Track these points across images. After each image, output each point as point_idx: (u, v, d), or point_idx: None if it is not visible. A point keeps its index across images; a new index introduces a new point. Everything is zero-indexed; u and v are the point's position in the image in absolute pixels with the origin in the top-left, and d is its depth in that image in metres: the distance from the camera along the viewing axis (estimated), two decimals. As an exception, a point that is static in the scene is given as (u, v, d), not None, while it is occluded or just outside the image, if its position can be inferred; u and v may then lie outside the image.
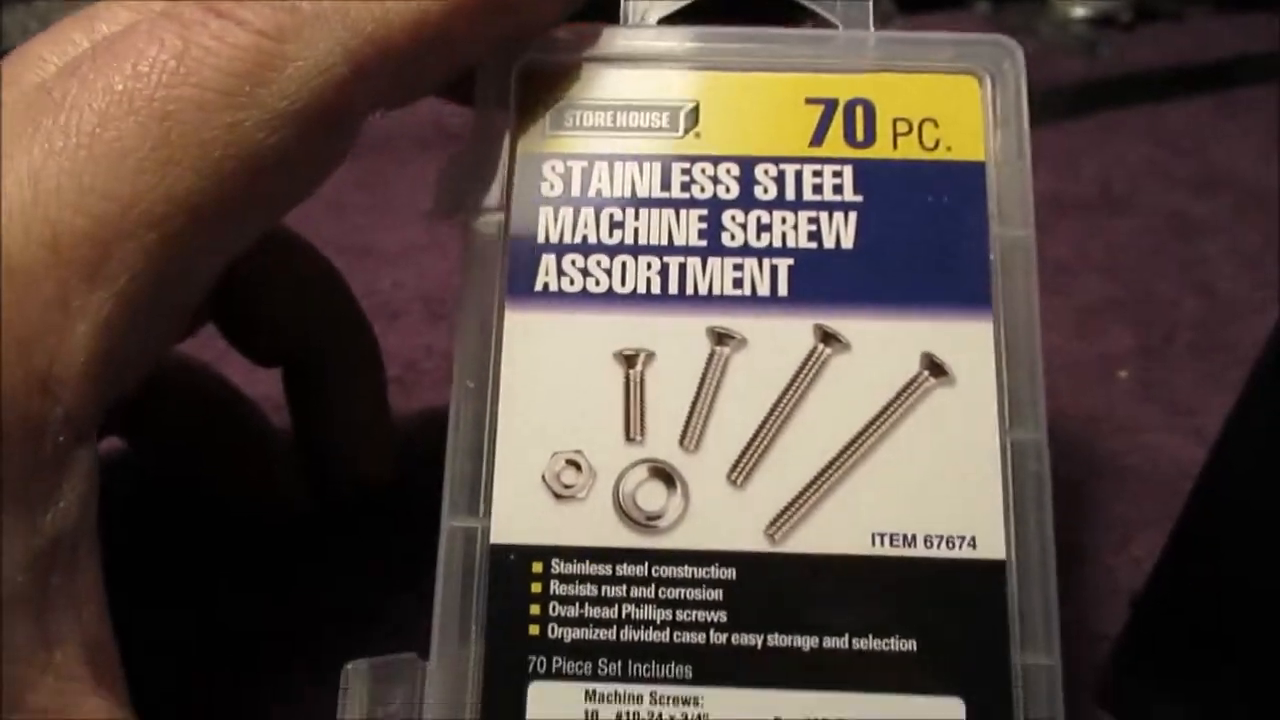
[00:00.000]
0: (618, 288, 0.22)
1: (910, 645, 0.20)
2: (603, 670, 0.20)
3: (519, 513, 0.21)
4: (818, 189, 0.22)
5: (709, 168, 0.22)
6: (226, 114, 0.18)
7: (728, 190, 0.22)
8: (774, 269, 0.21)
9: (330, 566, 0.29)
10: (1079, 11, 0.52)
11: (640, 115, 0.22)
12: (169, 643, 0.27)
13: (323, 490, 0.28)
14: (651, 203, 0.22)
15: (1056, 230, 0.43)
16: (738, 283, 0.21)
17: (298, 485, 0.29)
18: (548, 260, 0.22)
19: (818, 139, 0.22)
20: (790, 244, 0.22)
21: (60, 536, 0.16)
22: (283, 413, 0.29)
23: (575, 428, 0.21)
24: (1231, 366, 0.37)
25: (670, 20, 0.23)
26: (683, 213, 0.22)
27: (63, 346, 0.16)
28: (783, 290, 0.21)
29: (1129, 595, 0.29)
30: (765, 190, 0.22)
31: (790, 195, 0.22)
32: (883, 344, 0.21)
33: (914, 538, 0.20)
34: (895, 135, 0.22)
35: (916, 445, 0.21)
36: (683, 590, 0.20)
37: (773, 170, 0.22)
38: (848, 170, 0.22)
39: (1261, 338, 0.38)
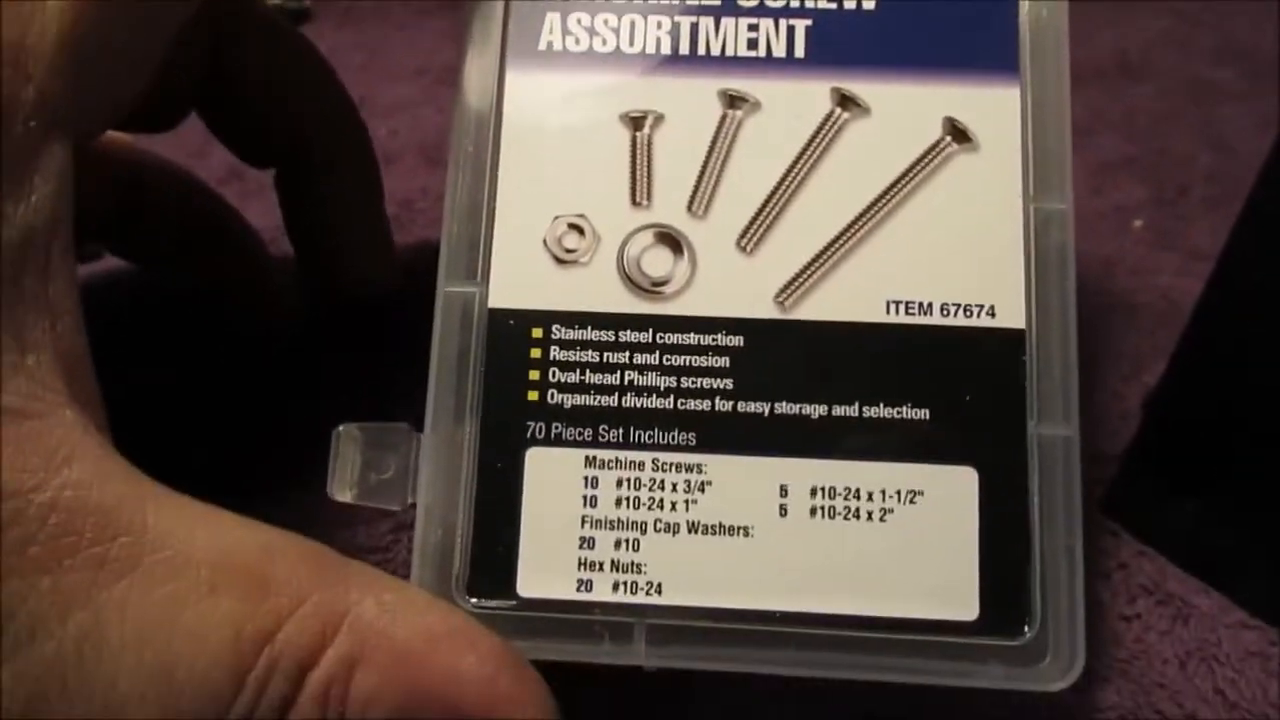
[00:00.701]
0: (625, 47, 0.20)
1: (923, 414, 0.19)
2: (603, 437, 0.19)
3: (519, 277, 0.20)
4: (839, -54, 0.21)
5: None
6: None
7: (744, -55, 0.21)
8: (791, 29, 0.20)
9: (324, 379, 0.28)
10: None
11: None
12: (160, 452, 0.26)
13: (320, 298, 0.27)
14: None
15: (1072, 96, 0.41)
16: (752, 44, 0.20)
17: (292, 295, 0.28)
18: (552, 18, 0.21)
19: (841, -108, 0.21)
20: (809, 4, 0.21)
21: (32, 234, 0.15)
22: (277, 245, 0.28)
23: (579, 191, 0.20)
24: (1247, 219, 0.36)
25: None
26: None
27: (33, 19, 0.15)
28: (799, 52, 0.20)
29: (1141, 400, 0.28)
30: (784, -54, 0.21)
31: (810, -48, 0.21)
32: (903, 108, 0.20)
33: (930, 305, 0.19)
34: (923, -109, 0.21)
35: (936, 211, 0.20)
36: (688, 357, 0.19)
37: (792, -76, 0.21)
38: (872, -75, 0.21)
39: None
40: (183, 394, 0.27)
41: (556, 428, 0.19)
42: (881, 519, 0.19)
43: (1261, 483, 0.22)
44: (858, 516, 0.19)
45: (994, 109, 0.20)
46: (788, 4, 0.21)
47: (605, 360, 0.19)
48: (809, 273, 0.20)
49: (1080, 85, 0.43)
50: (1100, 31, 0.45)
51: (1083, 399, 0.27)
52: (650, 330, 0.20)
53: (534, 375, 0.19)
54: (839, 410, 0.19)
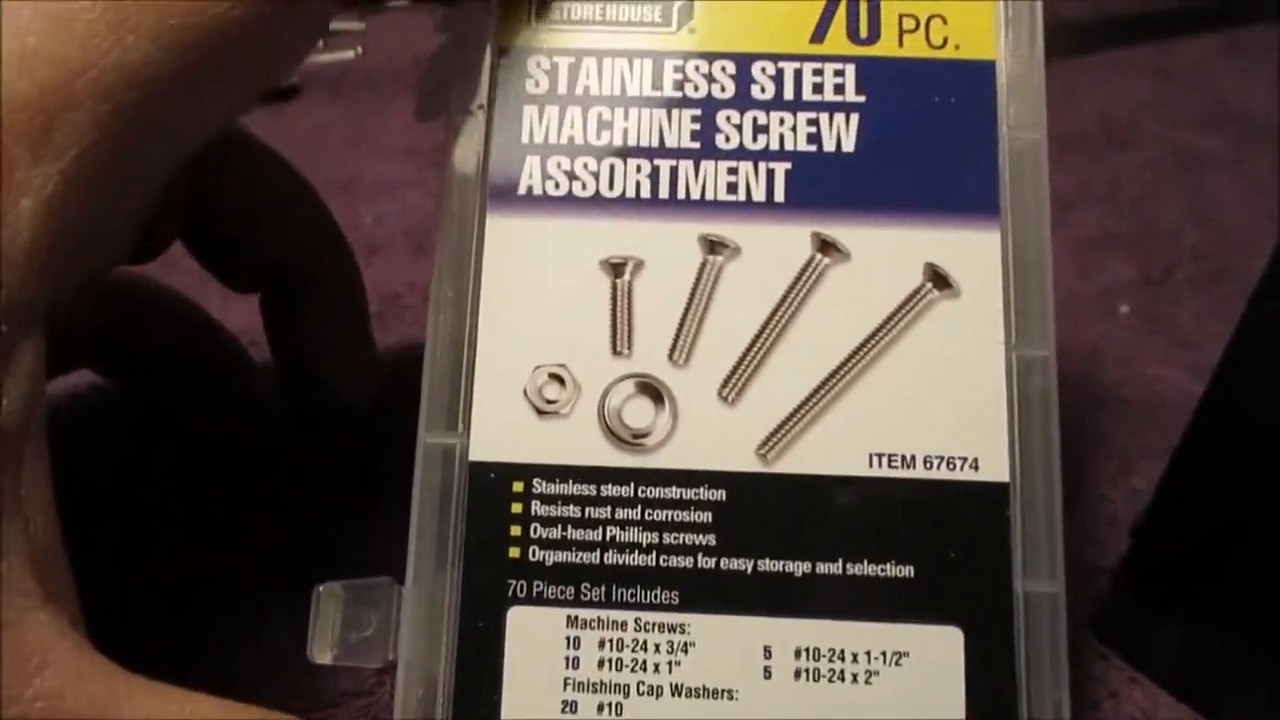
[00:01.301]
0: (605, 191, 0.20)
1: (907, 571, 0.19)
2: (585, 595, 0.19)
3: (499, 429, 0.19)
4: (818, 88, 0.21)
5: (703, 65, 0.21)
6: None
7: (723, 89, 0.21)
8: (770, 173, 0.20)
9: (306, 491, 0.28)
10: (1086, -54, 0.51)
11: (631, 8, 0.21)
12: (139, 567, 0.26)
13: (301, 414, 0.27)
14: (642, 102, 0.21)
15: (1057, 164, 0.41)
16: (732, 187, 0.20)
17: (275, 409, 0.27)
18: (532, 162, 0.20)
19: (819, 35, 0.21)
20: (788, 146, 0.20)
21: (5, 437, 0.15)
22: (259, 347, 0.28)
23: (559, 340, 0.20)
24: (1234, 299, 0.36)
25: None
26: (675, 113, 0.21)
27: (4, 224, 0.15)
28: (779, 196, 0.20)
29: (1129, 525, 0.28)
30: (762, 89, 0.21)
31: (789, 95, 0.21)
32: (884, 253, 0.20)
33: (913, 458, 0.19)
34: (901, 32, 0.21)
35: (917, 361, 0.20)
36: (670, 512, 0.19)
37: (771, 68, 0.21)
38: (850, 69, 0.21)
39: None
40: (162, 521, 0.27)
41: (538, 586, 0.19)
42: (867, 681, 0.18)
43: (1254, 608, 0.22)
44: (843, 679, 0.18)
45: (975, 253, 0.20)
46: (766, 147, 0.20)
47: (587, 515, 0.19)
48: (791, 424, 0.19)
49: (1065, 153, 0.43)
50: (1085, 94, 0.45)
51: (1071, 504, 0.27)
52: (632, 484, 0.19)
53: (515, 531, 0.19)
54: (823, 567, 0.19)
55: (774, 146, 0.20)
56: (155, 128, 0.17)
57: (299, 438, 0.28)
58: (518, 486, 0.19)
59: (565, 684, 0.19)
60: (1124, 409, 0.32)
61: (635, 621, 0.19)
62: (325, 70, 0.43)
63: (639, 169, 0.20)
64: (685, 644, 0.19)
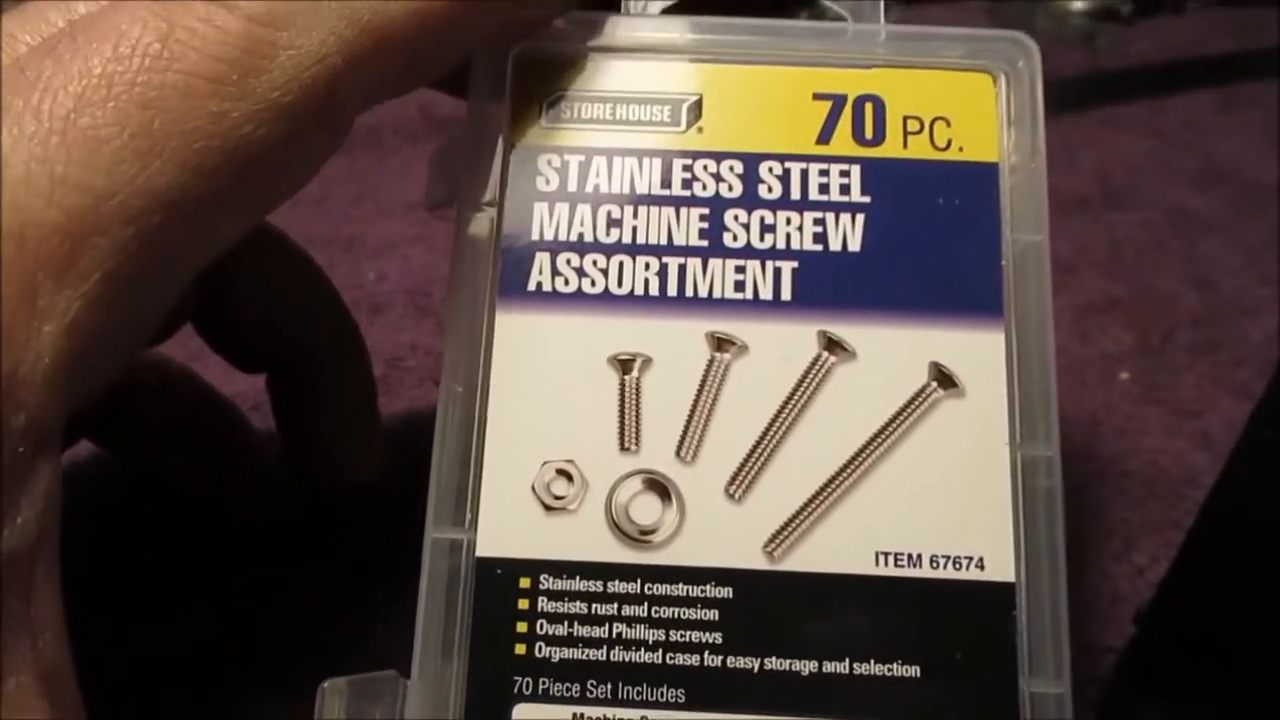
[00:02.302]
0: (614, 289, 0.21)
1: (914, 671, 0.19)
2: (592, 692, 0.19)
3: (507, 525, 0.20)
4: (824, 189, 0.21)
5: (711, 164, 0.21)
6: (213, 103, 0.17)
7: (730, 188, 0.21)
8: (777, 271, 0.20)
9: (312, 574, 0.28)
10: (1078, 5, 0.51)
11: (641, 108, 0.21)
12: (140, 657, 0.26)
13: (308, 494, 0.27)
14: (651, 200, 0.21)
15: (1054, 226, 0.42)
16: (739, 285, 0.20)
17: (281, 487, 0.27)
18: (542, 259, 0.21)
19: (825, 136, 0.21)
20: (795, 246, 0.21)
21: (16, 556, 0.15)
22: (262, 411, 0.28)
23: (567, 436, 0.20)
24: (1234, 366, 0.36)
25: (673, 10, 0.22)
26: (683, 211, 0.21)
27: (27, 348, 0.15)
28: (786, 294, 0.20)
29: (1132, 608, 0.28)
30: (770, 189, 0.21)
31: (795, 195, 0.21)
32: (889, 353, 0.20)
33: (919, 557, 0.19)
34: (905, 134, 0.21)
35: (923, 460, 0.20)
36: (677, 609, 0.19)
37: (778, 168, 0.21)
38: (855, 170, 0.21)
39: (1265, 335, 0.37)
40: (158, 605, 0.27)
41: (544, 683, 0.19)
42: (873, 785, 0.19)
43: (1265, 713, 0.22)
44: (850, 780, 0.19)
45: (979, 353, 0.20)
46: (773, 246, 0.21)
47: (593, 612, 0.19)
48: (798, 522, 0.20)
49: (1064, 215, 0.43)
50: (1082, 152, 0.46)
51: (1073, 581, 0.27)
52: (639, 581, 0.19)
53: (521, 627, 0.19)
54: (829, 666, 0.19)
55: (781, 245, 0.21)
56: (179, 246, 0.17)
57: (304, 520, 0.28)
58: (524, 582, 0.19)
59: (572, 783, 0.19)
60: (1125, 482, 0.32)
61: (641, 719, 0.19)
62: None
63: (648, 266, 0.21)
64: (692, 743, 0.19)
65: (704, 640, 0.19)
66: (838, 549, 0.19)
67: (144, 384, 0.26)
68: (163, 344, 0.26)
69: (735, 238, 0.21)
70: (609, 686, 0.19)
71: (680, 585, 0.19)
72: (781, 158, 0.21)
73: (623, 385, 0.20)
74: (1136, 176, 0.44)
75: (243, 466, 0.27)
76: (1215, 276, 0.40)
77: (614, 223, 0.21)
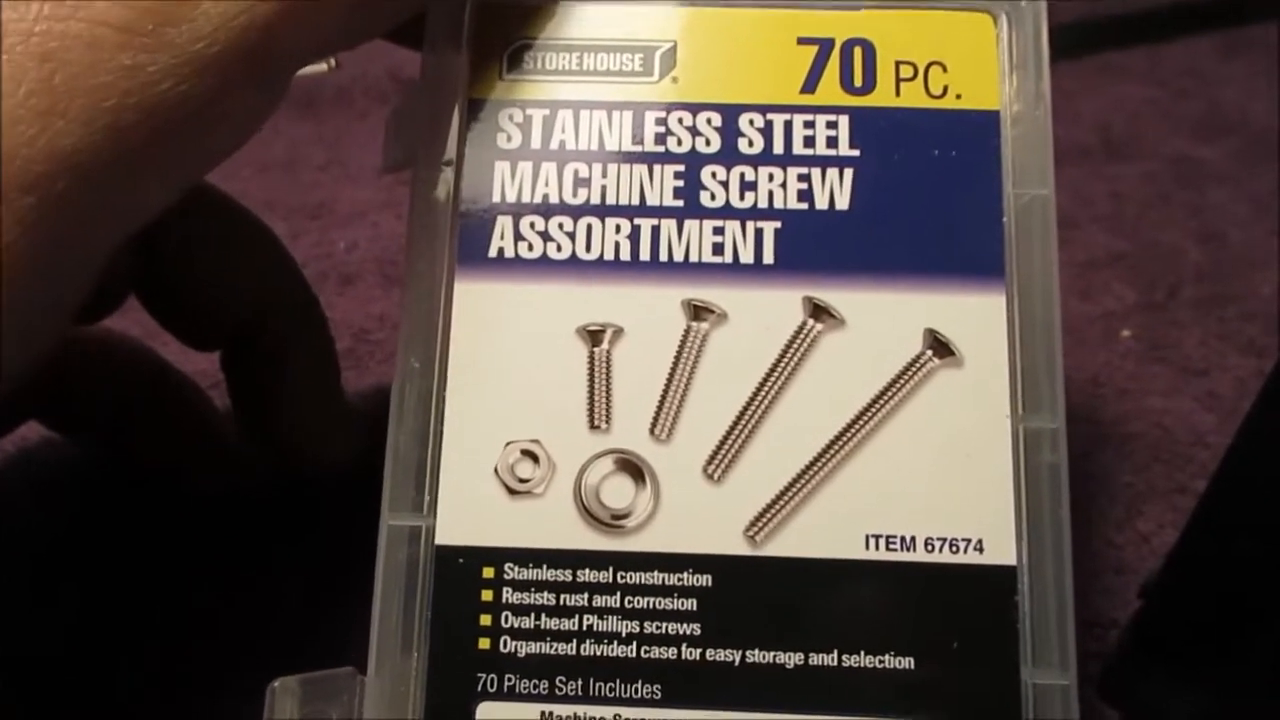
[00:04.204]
0: (582, 253, 0.19)
1: (907, 663, 0.18)
2: (561, 689, 0.18)
3: (468, 510, 0.18)
4: (809, 142, 0.19)
5: (687, 117, 0.19)
6: (124, 55, 0.15)
7: (708, 143, 0.19)
8: (759, 233, 0.19)
9: (277, 561, 0.26)
10: (1077, -52, 0.50)
11: (610, 57, 0.20)
12: (96, 646, 0.25)
13: (273, 476, 0.26)
14: (622, 157, 0.19)
15: (1057, 179, 0.40)
16: (718, 249, 0.19)
17: (245, 469, 0.26)
18: (504, 223, 0.19)
19: (810, 85, 0.19)
20: (778, 205, 0.19)
21: None
22: (223, 389, 0.27)
23: (533, 414, 0.19)
24: (1242, 322, 0.35)
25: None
26: (657, 169, 0.19)
27: None
28: (768, 257, 0.19)
29: (1137, 579, 0.27)
30: (750, 143, 0.19)
31: (778, 149, 0.19)
32: (881, 319, 0.19)
33: (913, 540, 0.18)
34: (898, 80, 0.19)
35: (917, 435, 0.18)
36: (652, 599, 0.18)
37: (759, 120, 0.19)
38: (844, 120, 0.19)
39: (1274, 289, 0.36)
40: (111, 598, 0.26)
41: (510, 680, 0.18)
42: (864, 784, 0.17)
43: (1273, 679, 0.21)
44: (838, 781, 0.17)
45: (978, 318, 0.19)
46: (755, 205, 0.19)
47: (562, 603, 0.18)
48: (781, 504, 0.18)
49: (1064, 166, 0.41)
50: (1083, 102, 0.44)
51: (1075, 551, 0.26)
52: (610, 569, 0.18)
53: (485, 620, 0.18)
54: (816, 659, 0.18)
55: (763, 204, 0.19)
56: (92, 215, 0.15)
57: (269, 504, 0.26)
58: (488, 572, 0.18)
59: (540, 788, 0.17)
60: (1128, 445, 0.31)
61: (615, 717, 0.18)
62: (296, 86, 0.42)
63: (618, 229, 0.19)
64: (669, 742, 0.18)
65: (681, 632, 0.18)
66: (825, 532, 0.18)
67: (90, 362, 0.24)
68: (114, 319, 0.24)
69: (713, 197, 0.19)
70: (580, 683, 0.18)
71: (655, 573, 0.18)
72: (763, 109, 0.19)
73: (592, 358, 0.19)
74: (1138, 126, 0.43)
75: (202, 447, 0.26)
76: (1221, 229, 0.38)
77: (581, 182, 0.19)
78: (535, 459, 0.18)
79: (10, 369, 0.16)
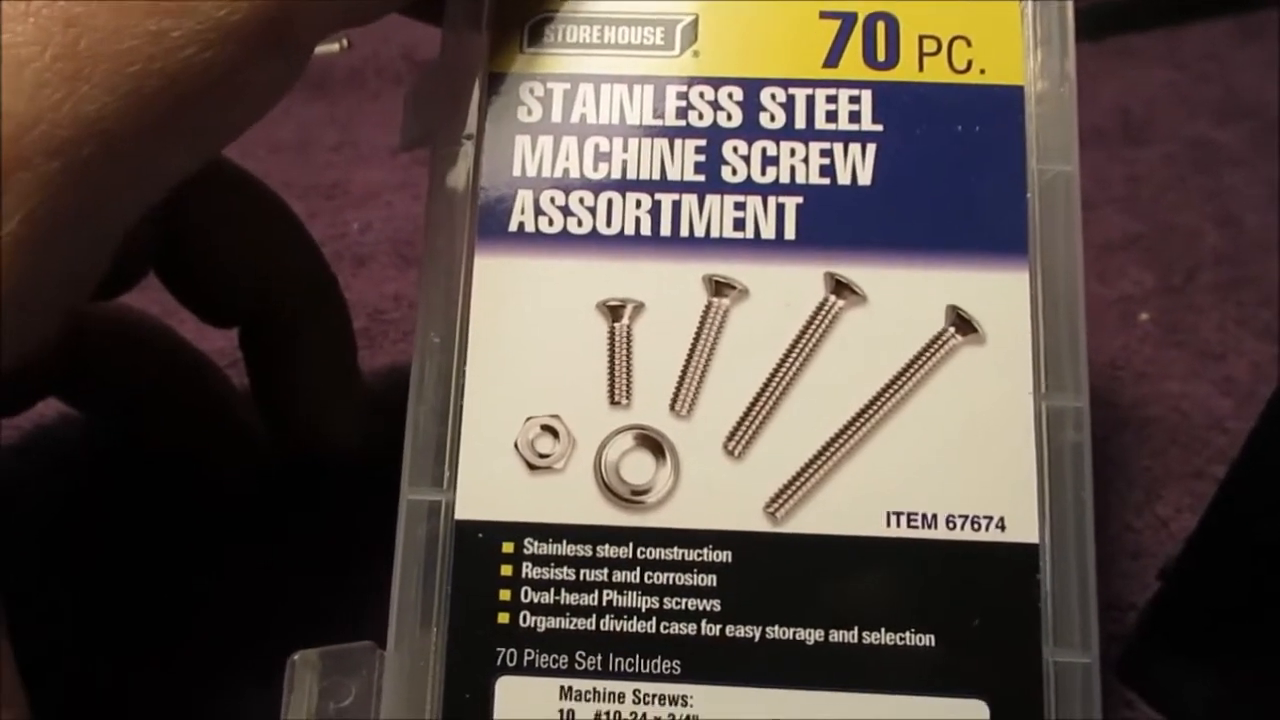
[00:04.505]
0: (603, 228, 0.19)
1: (928, 640, 0.18)
2: (580, 664, 0.18)
3: (488, 485, 0.18)
4: (832, 116, 0.19)
5: (708, 91, 0.19)
6: (150, 21, 0.15)
7: (729, 117, 0.19)
8: (780, 208, 0.19)
9: (296, 541, 0.26)
10: (1096, -70, 0.49)
11: (631, 30, 0.20)
12: (111, 625, 0.25)
13: (285, 455, 0.26)
14: (643, 131, 0.19)
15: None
16: (739, 224, 0.19)
17: (263, 449, 0.26)
18: (524, 197, 0.19)
19: (833, 59, 0.19)
20: (799, 180, 0.19)
21: None
22: (241, 368, 0.27)
23: (553, 389, 0.18)
24: (1259, 306, 0.35)
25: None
26: (678, 143, 0.19)
27: None
28: (790, 233, 0.19)
29: (1155, 562, 0.27)
30: (772, 118, 0.19)
31: (800, 124, 0.19)
32: (903, 296, 0.19)
33: (934, 518, 0.18)
34: (921, 55, 0.19)
35: (939, 412, 0.18)
36: (672, 575, 0.18)
37: (781, 95, 0.19)
38: (866, 95, 0.19)
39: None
40: (129, 571, 0.26)
41: (529, 654, 0.18)
42: (884, 760, 0.17)
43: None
44: (858, 758, 0.17)
45: (1001, 295, 0.18)
46: (776, 180, 0.19)
47: (582, 578, 0.18)
48: (802, 480, 0.18)
49: (1082, 149, 0.41)
50: (1101, 85, 0.44)
51: (1094, 530, 0.26)
52: (630, 545, 0.18)
53: (505, 595, 0.18)
54: (836, 636, 0.18)
55: (784, 179, 0.19)
56: (114, 182, 0.15)
57: (287, 484, 0.26)
58: (508, 547, 0.18)
59: (559, 762, 0.17)
60: (1146, 429, 0.31)
61: (634, 693, 0.18)
62: (309, 66, 0.42)
63: (639, 204, 0.19)
64: (688, 717, 0.17)
65: (701, 608, 0.18)
66: (846, 509, 0.18)
67: (108, 339, 0.24)
68: (130, 295, 0.24)
69: (734, 171, 0.19)
70: (599, 658, 0.18)
71: (675, 549, 0.18)
72: (785, 83, 0.19)
73: (612, 334, 0.19)
74: (1156, 109, 0.43)
75: (220, 426, 0.26)
76: (1239, 212, 0.38)
77: (602, 157, 0.19)
78: (555, 434, 0.18)
79: (28, 341, 0.16)
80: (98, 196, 0.15)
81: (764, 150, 0.19)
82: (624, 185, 0.19)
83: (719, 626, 0.18)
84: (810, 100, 0.19)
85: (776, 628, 0.18)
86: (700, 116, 0.19)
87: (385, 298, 0.33)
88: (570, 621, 0.18)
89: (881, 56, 0.19)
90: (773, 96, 0.19)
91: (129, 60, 0.15)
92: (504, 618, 0.18)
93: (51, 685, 0.20)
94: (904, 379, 0.18)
